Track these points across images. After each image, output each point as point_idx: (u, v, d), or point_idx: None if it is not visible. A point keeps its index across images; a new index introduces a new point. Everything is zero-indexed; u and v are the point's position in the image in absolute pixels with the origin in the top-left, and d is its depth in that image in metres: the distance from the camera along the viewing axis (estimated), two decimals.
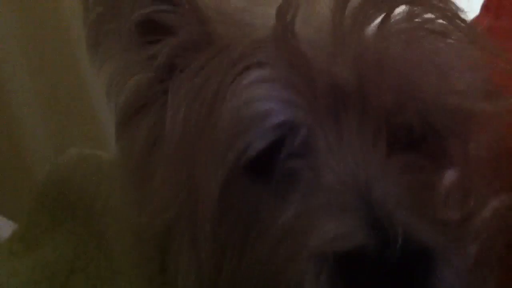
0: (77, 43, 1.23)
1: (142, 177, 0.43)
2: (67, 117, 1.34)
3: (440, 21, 0.41)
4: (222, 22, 0.43)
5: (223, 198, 0.38)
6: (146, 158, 0.43)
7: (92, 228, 0.49)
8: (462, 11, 0.42)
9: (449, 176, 0.38)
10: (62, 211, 0.53)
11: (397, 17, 0.40)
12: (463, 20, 0.42)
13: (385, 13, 0.39)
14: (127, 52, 0.45)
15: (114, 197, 0.47)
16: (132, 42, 0.45)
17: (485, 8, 0.62)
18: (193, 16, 0.43)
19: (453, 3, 0.43)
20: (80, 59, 1.26)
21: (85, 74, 1.27)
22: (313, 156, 0.38)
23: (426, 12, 0.41)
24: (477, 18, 0.64)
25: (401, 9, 0.41)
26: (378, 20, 0.40)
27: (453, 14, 0.42)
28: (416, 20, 0.41)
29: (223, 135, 0.38)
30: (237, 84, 0.38)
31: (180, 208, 0.40)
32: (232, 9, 0.44)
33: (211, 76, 0.40)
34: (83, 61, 1.15)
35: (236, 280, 0.38)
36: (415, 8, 0.41)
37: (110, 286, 0.44)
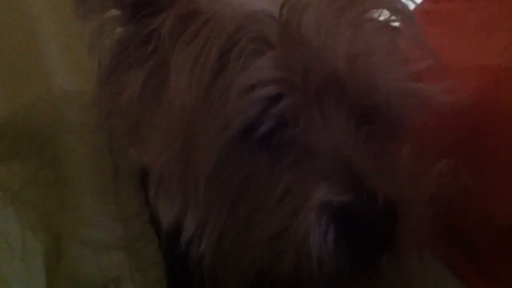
0: None
1: (133, 121, 0.48)
2: None
3: (395, 18, 0.49)
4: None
5: (219, 159, 0.44)
6: (139, 105, 0.47)
7: (48, 153, 0.52)
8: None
9: (404, 146, 0.47)
10: (22, 141, 0.55)
11: (365, 15, 0.47)
12: (411, 19, 0.50)
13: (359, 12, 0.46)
14: (114, 8, 0.49)
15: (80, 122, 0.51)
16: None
17: None
18: None
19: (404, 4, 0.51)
20: None
21: None
22: (303, 130, 0.45)
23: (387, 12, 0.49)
24: (421, 3, 0.74)
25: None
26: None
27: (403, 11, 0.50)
28: (380, 18, 0.48)
29: (228, 107, 0.43)
30: (244, 62, 0.43)
31: (172, 157, 0.45)
32: None
33: (207, 44, 0.45)
34: None
35: (227, 227, 0.44)
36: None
37: (62, 193, 0.49)
